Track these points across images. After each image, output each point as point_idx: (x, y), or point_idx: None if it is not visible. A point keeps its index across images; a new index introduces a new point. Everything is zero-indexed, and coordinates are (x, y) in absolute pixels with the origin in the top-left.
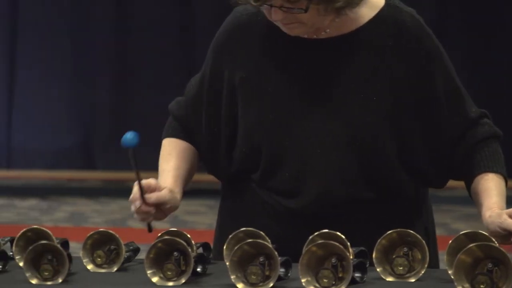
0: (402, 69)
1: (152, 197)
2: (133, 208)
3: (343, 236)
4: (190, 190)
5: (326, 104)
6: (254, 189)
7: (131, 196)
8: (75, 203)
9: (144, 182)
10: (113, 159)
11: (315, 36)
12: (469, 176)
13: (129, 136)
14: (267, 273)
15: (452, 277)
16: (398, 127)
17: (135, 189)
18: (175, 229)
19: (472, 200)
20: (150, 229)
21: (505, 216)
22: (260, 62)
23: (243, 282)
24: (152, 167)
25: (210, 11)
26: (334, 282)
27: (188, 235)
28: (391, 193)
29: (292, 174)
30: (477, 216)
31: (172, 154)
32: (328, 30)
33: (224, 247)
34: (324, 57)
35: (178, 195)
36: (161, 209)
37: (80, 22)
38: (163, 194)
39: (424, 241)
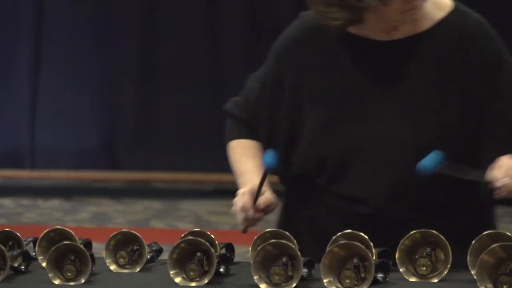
0: (467, 75)
1: (261, 203)
2: (243, 216)
3: (366, 237)
4: (214, 190)
5: (393, 108)
6: (320, 194)
7: (241, 205)
8: (99, 204)
9: (250, 188)
10: (137, 160)
11: (386, 38)
12: None
13: (270, 159)
14: (290, 273)
15: (475, 277)
16: (464, 130)
17: (246, 198)
18: (199, 229)
19: None
20: (245, 231)
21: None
22: (326, 66)
23: (266, 282)
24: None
25: (236, 12)
26: (356, 283)
27: (212, 236)
28: (462, 196)
29: (359, 178)
30: (500, 216)
31: (247, 155)
32: (402, 27)
33: (250, 247)
34: (391, 60)
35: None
36: (265, 211)
37: (105, 24)
38: (269, 197)
39: (446, 241)
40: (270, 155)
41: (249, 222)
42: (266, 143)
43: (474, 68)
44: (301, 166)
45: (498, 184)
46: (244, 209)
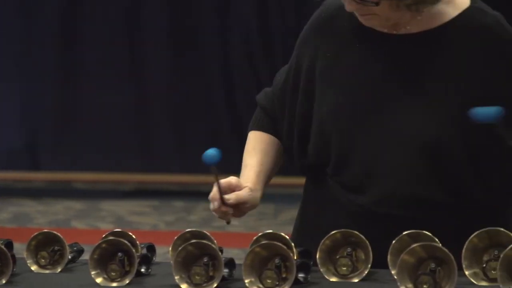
0: (481, 71)
1: (231, 198)
2: (211, 207)
3: (287, 237)
4: (135, 191)
5: (400, 101)
6: (329, 183)
7: (211, 195)
8: (20, 204)
9: (224, 181)
10: (58, 160)
11: (395, 32)
12: None
13: (212, 153)
14: (211, 273)
15: (395, 277)
16: (473, 130)
17: (215, 189)
18: (120, 229)
19: None
20: (228, 222)
21: None
22: (340, 53)
23: (187, 282)
24: (94, 168)
25: (157, 13)
26: (277, 283)
27: (133, 236)
28: (463, 196)
29: (361, 168)
30: None
31: (256, 149)
32: (409, 27)
33: (170, 247)
34: (402, 53)
35: (258, 193)
36: (240, 208)
37: (27, 24)
38: (242, 194)
39: (367, 242)
40: (211, 152)
41: (220, 215)
42: (286, 135)
43: (490, 65)
44: (313, 155)
45: None
46: (211, 199)
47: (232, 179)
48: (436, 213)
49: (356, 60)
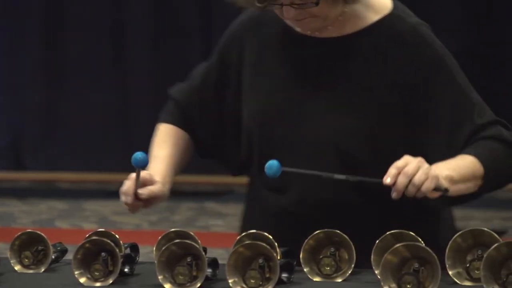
0: (397, 79)
1: (144, 193)
2: (123, 199)
3: (271, 237)
4: (118, 190)
5: (319, 104)
6: (256, 184)
7: (124, 189)
8: (3, 204)
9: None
10: (41, 160)
11: (317, 34)
12: None
13: (140, 157)
14: (194, 273)
15: (379, 277)
16: (387, 135)
17: (129, 183)
18: (103, 229)
19: None
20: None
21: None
22: (264, 54)
23: (170, 282)
24: (78, 168)
25: (141, 13)
26: (261, 283)
27: (116, 236)
28: (377, 197)
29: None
30: None
31: (166, 142)
32: (330, 28)
33: (154, 247)
34: (321, 57)
35: (167, 186)
36: (150, 201)
37: (11, 22)
38: (155, 190)
39: (350, 242)
40: (140, 155)
41: (131, 208)
42: (213, 128)
43: (405, 72)
44: (244, 156)
45: (386, 180)
46: (124, 192)
47: (145, 174)
48: (352, 213)
49: (278, 62)
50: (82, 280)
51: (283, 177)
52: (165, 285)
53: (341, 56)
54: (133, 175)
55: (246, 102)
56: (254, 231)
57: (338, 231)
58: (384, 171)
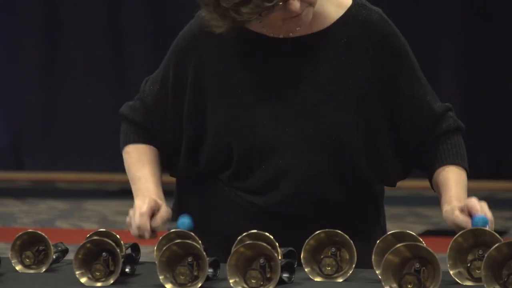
0: (370, 67)
1: (158, 222)
2: (136, 233)
3: (272, 237)
4: (118, 190)
5: (295, 103)
6: (222, 188)
7: (139, 225)
8: (3, 204)
9: (149, 207)
10: (41, 160)
11: (281, 36)
12: (430, 170)
13: (187, 222)
14: (195, 273)
15: (380, 277)
16: (367, 125)
17: (145, 220)
18: (104, 229)
19: (435, 191)
20: (155, 235)
21: (456, 212)
22: (229, 61)
23: (171, 282)
24: (78, 168)
25: (139, 15)
26: (262, 283)
27: (117, 236)
28: (360, 195)
29: (262, 173)
30: (404, 216)
31: (142, 161)
32: (298, 28)
33: (155, 247)
34: (292, 56)
35: (164, 202)
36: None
37: (9, 22)
38: (165, 216)
39: (351, 242)
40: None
41: (143, 238)
42: (169, 139)
43: (377, 59)
44: (208, 163)
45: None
46: (140, 230)
47: (152, 202)
48: (336, 210)
49: (246, 67)
50: (83, 280)
51: (265, 182)
52: (166, 285)
53: (311, 53)
54: (141, 207)
55: (216, 112)
56: (255, 231)
57: (339, 231)
58: (375, 160)
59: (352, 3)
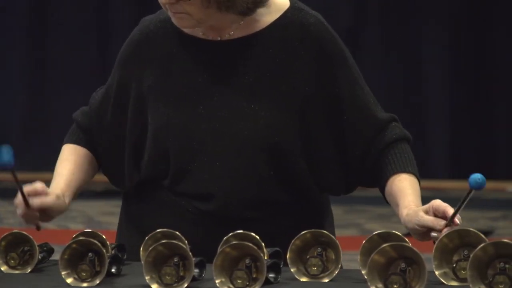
0: (306, 71)
1: (36, 202)
2: (18, 212)
3: (258, 237)
4: (104, 191)
5: (233, 106)
6: (164, 195)
7: (16, 200)
8: None
9: (30, 187)
10: (28, 160)
11: (219, 38)
12: (381, 180)
13: (6, 156)
14: (181, 273)
15: (366, 277)
16: (304, 128)
17: (19, 196)
18: (90, 230)
19: (388, 203)
20: (38, 228)
21: (421, 213)
22: (167, 68)
23: (157, 283)
24: None
25: (126, 11)
26: (248, 283)
27: (103, 236)
28: (302, 195)
29: (202, 177)
30: (390, 216)
31: (69, 160)
32: (232, 32)
33: (141, 247)
34: (227, 59)
35: (67, 199)
36: (46, 213)
37: None
38: (48, 200)
39: (337, 242)
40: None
41: (27, 219)
42: (111, 148)
43: (316, 64)
44: (149, 169)
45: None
46: (16, 204)
47: (38, 184)
48: (278, 212)
49: (183, 71)
50: (69, 280)
51: (205, 186)
52: (152, 286)
53: (247, 56)
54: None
55: (154, 117)
56: (241, 231)
57: (325, 232)
58: (311, 161)
59: (289, 7)
